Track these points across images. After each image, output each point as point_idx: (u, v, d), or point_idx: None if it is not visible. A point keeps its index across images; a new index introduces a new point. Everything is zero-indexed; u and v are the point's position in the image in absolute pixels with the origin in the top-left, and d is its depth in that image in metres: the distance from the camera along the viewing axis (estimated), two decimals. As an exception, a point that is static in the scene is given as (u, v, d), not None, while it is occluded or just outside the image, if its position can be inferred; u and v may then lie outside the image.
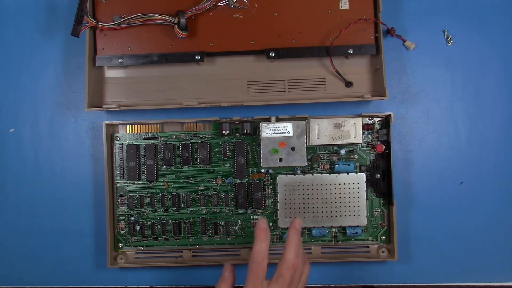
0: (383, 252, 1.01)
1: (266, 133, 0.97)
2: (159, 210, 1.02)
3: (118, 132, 1.02)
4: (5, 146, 1.06)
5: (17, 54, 1.06)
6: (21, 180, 1.06)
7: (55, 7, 1.05)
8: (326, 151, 1.01)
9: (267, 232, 0.83)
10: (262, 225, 0.83)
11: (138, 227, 1.01)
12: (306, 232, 1.01)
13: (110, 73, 1.04)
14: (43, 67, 1.05)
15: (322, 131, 0.98)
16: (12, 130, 1.06)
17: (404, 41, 1.02)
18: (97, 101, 1.02)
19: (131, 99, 1.03)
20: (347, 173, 0.99)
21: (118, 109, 1.00)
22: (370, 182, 1.01)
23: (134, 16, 0.98)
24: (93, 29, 0.99)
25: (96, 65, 1.00)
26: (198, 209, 1.02)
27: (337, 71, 1.00)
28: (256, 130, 1.00)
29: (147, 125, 1.02)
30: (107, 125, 1.00)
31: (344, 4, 0.99)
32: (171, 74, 1.03)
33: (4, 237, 1.06)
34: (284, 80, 1.02)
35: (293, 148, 0.97)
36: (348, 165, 1.00)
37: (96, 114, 1.05)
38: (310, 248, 1.02)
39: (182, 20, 0.96)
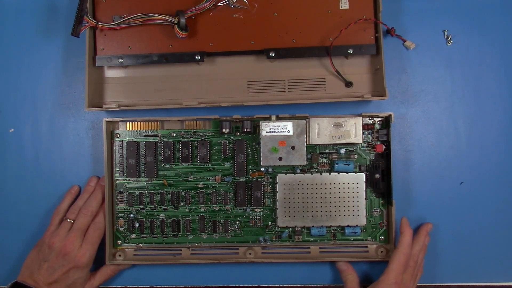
0: (381, 252, 1.01)
1: (266, 132, 0.97)
2: (158, 208, 1.02)
3: (118, 129, 1.02)
4: (5, 146, 1.06)
5: (17, 54, 1.06)
6: (21, 180, 1.06)
7: (55, 7, 1.06)
8: (326, 151, 1.01)
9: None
10: (407, 221, 1.00)
11: (137, 225, 1.02)
12: (305, 231, 1.01)
13: (110, 73, 1.04)
14: (43, 67, 1.06)
15: (322, 130, 0.98)
16: (12, 130, 1.06)
17: (404, 41, 1.02)
18: (97, 101, 1.02)
19: (131, 99, 1.03)
20: (347, 172, 0.99)
21: (118, 109, 1.00)
22: (369, 182, 1.00)
23: (134, 16, 0.98)
24: (93, 29, 1.00)
25: (96, 65, 1.00)
26: (197, 207, 1.02)
27: (337, 71, 1.00)
28: (256, 129, 1.00)
29: (147, 123, 1.02)
30: (107, 122, 1.00)
31: (344, 4, 0.99)
32: (171, 74, 1.03)
33: (4, 237, 1.06)
34: (284, 80, 1.02)
35: (293, 147, 0.97)
36: (348, 164, 1.00)
37: (96, 114, 1.05)
38: (309, 248, 1.02)
39: (182, 20, 0.96)
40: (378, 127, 1.01)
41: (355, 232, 1.00)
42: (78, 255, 0.95)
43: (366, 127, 1.00)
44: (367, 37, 0.99)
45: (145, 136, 1.02)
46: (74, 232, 0.97)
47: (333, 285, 1.03)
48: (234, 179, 1.01)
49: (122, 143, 1.02)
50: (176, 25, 0.96)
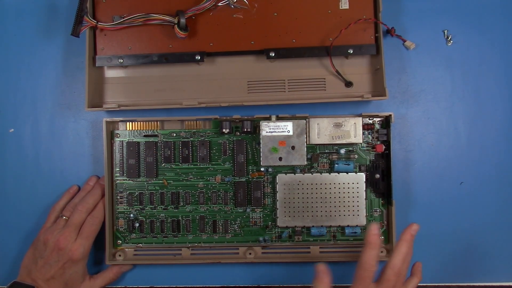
0: (381, 252, 1.00)
1: (266, 132, 0.97)
2: (158, 208, 1.02)
3: (118, 129, 1.02)
4: (5, 146, 1.06)
5: (17, 54, 1.06)
6: (21, 180, 1.06)
7: (55, 7, 1.06)
8: (326, 151, 1.01)
9: (379, 239, 0.87)
10: (374, 231, 0.87)
11: (137, 225, 1.02)
12: (305, 231, 1.01)
13: (110, 73, 1.04)
14: (43, 67, 1.06)
15: (322, 130, 0.98)
16: (12, 130, 1.06)
17: (404, 41, 1.02)
18: (97, 101, 1.02)
19: (131, 99, 1.03)
20: (347, 172, 0.99)
21: (118, 109, 1.00)
22: (369, 182, 1.00)
23: (134, 16, 0.98)
24: (93, 29, 0.99)
25: (96, 65, 1.00)
26: (197, 207, 1.02)
27: (337, 71, 1.00)
28: (256, 129, 1.00)
29: (147, 123, 1.02)
30: (107, 122, 1.00)
31: (344, 4, 0.99)
32: (171, 74, 1.03)
33: (4, 237, 1.06)
34: (284, 80, 1.02)
35: (293, 147, 0.97)
36: (348, 164, 1.00)
37: (96, 114, 1.05)
38: (309, 248, 1.02)
39: (182, 20, 0.96)
40: (378, 127, 1.01)
41: (355, 232, 1.00)
42: (72, 249, 0.95)
43: (366, 127, 1.00)
44: (367, 37, 0.99)
45: (145, 136, 1.02)
46: (69, 227, 0.97)
47: (333, 285, 1.03)
48: (234, 179, 1.01)
49: (122, 143, 1.02)
50: (176, 25, 0.96)
